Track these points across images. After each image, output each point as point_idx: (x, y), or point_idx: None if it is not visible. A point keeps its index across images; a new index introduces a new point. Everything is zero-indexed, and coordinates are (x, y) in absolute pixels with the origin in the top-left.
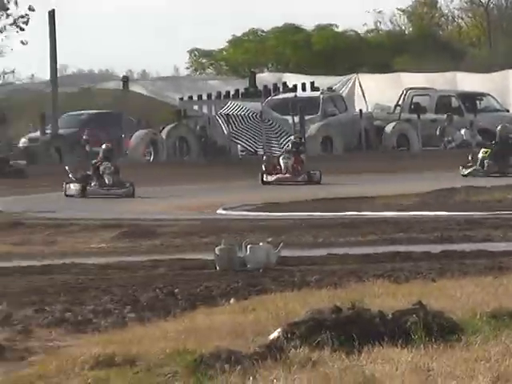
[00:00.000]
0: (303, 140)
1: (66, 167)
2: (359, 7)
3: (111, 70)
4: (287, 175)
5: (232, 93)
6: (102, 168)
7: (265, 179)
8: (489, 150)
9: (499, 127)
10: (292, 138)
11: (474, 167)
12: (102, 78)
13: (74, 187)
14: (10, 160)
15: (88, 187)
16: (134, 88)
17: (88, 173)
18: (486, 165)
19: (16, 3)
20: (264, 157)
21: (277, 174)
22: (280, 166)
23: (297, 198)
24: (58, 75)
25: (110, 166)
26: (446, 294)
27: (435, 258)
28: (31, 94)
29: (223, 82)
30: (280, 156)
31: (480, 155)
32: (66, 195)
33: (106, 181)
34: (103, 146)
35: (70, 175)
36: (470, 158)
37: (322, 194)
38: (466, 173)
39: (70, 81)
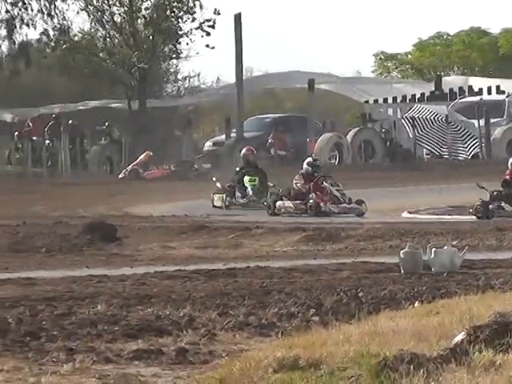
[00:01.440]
0: None
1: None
2: None
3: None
4: None
5: (418, 96)
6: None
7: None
8: None
9: None
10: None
11: None
12: (288, 79)
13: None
14: (195, 163)
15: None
16: (320, 87)
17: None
18: None
19: (201, 7)
20: None
21: None
22: None
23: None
24: (244, 78)
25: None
26: None
27: None
28: (217, 97)
29: (409, 85)
30: None
31: None
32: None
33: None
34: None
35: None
36: None
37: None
38: None
39: (256, 83)
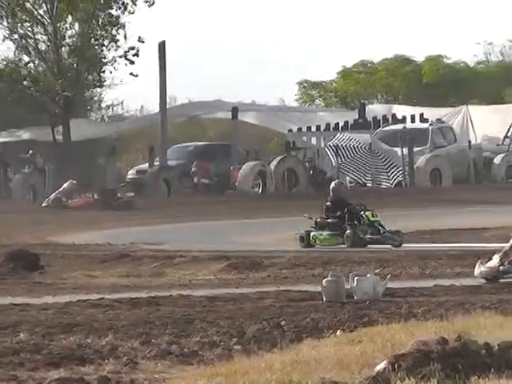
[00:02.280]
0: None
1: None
2: (469, 39)
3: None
4: None
5: (341, 124)
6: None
7: None
8: None
9: None
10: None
11: None
12: (212, 108)
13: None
14: (118, 192)
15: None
16: (244, 118)
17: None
18: None
19: (125, 36)
20: None
21: None
22: None
23: (404, 229)
24: (167, 106)
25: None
26: None
27: None
28: (140, 125)
29: (332, 114)
30: None
31: None
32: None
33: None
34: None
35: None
36: None
37: (431, 225)
38: None
39: (180, 111)
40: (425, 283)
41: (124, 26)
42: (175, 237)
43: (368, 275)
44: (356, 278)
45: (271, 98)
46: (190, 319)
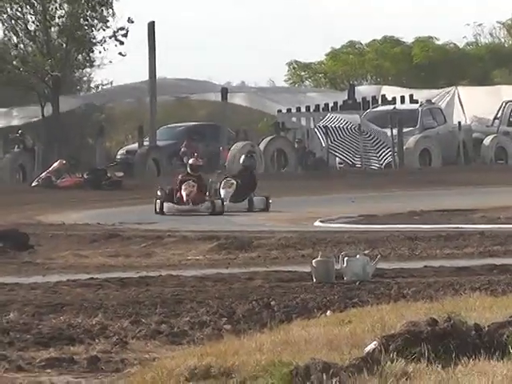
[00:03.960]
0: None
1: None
2: (459, 20)
3: (210, 81)
4: None
5: (331, 105)
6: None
7: None
8: None
9: None
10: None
11: None
12: (202, 88)
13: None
14: (108, 172)
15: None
16: (233, 99)
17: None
18: None
19: (113, 14)
20: None
21: None
22: None
23: (394, 210)
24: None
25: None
26: None
27: None
28: (130, 105)
29: (322, 95)
30: None
31: None
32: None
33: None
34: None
35: (159, 192)
36: None
37: (420, 206)
38: None
39: (170, 90)
40: (414, 264)
41: (112, 5)
42: (165, 216)
43: (358, 256)
44: (346, 258)
45: (261, 79)
46: (180, 299)
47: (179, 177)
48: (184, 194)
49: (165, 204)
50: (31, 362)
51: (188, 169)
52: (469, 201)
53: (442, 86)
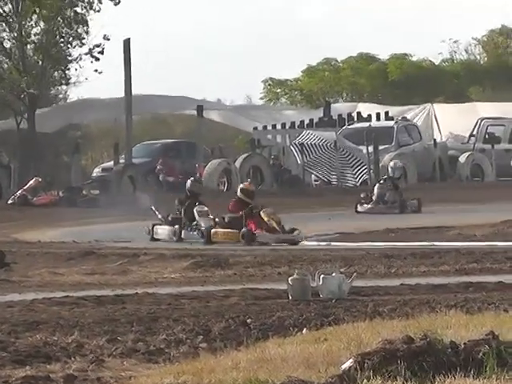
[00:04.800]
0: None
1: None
2: (435, 37)
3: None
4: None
5: (306, 122)
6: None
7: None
8: None
9: None
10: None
11: None
12: (178, 105)
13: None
14: (84, 190)
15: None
16: (209, 116)
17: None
18: None
19: (87, 32)
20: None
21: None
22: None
23: (371, 228)
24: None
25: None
26: None
27: (508, 288)
28: (105, 123)
29: (297, 112)
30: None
31: None
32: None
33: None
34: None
35: (159, 216)
36: None
37: (396, 224)
38: None
39: (145, 107)
40: (390, 282)
41: (87, 23)
42: (140, 234)
43: (334, 274)
44: (322, 276)
45: (238, 96)
46: (156, 317)
47: (236, 207)
48: (274, 223)
49: (258, 232)
50: (7, 380)
51: (242, 195)
52: (444, 218)
53: (417, 103)
